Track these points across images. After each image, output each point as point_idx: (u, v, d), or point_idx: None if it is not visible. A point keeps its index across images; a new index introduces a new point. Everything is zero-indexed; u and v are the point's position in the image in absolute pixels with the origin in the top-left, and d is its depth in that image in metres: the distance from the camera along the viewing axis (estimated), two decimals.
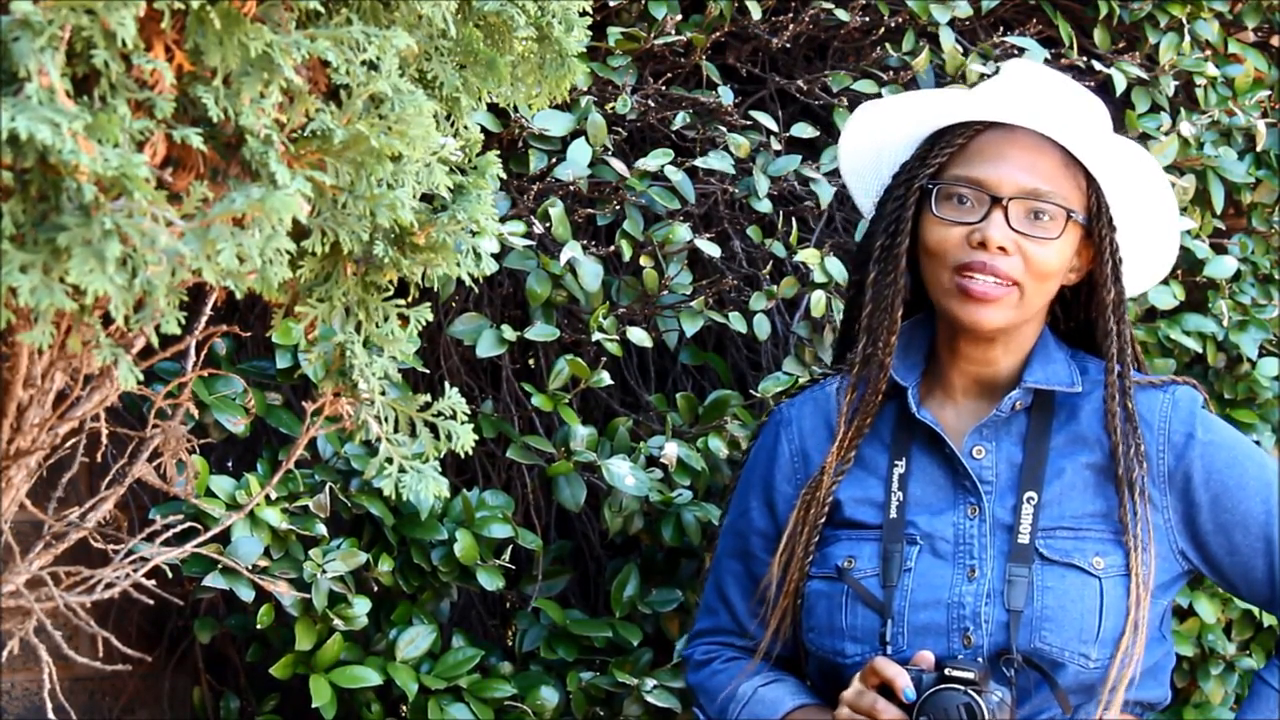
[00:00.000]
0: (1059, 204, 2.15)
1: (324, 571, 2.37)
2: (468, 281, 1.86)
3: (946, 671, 2.02)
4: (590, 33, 1.97)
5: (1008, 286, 2.13)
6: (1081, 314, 2.28)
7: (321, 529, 2.41)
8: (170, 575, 2.31)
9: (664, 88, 2.78)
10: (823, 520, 2.20)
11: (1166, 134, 3.02)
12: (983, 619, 2.11)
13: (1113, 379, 2.20)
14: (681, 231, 2.63)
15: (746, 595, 2.28)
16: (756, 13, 2.80)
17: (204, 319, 1.94)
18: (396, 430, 1.92)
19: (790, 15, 2.85)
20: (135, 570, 1.97)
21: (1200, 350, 2.95)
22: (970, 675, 2.01)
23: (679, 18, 2.75)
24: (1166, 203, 2.27)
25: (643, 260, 2.64)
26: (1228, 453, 2.24)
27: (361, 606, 2.41)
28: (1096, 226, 2.20)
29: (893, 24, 2.91)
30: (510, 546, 2.54)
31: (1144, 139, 3.02)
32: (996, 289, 2.13)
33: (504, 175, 2.11)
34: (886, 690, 2.04)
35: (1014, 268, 2.13)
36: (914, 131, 2.25)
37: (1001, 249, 2.12)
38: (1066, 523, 2.16)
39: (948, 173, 2.18)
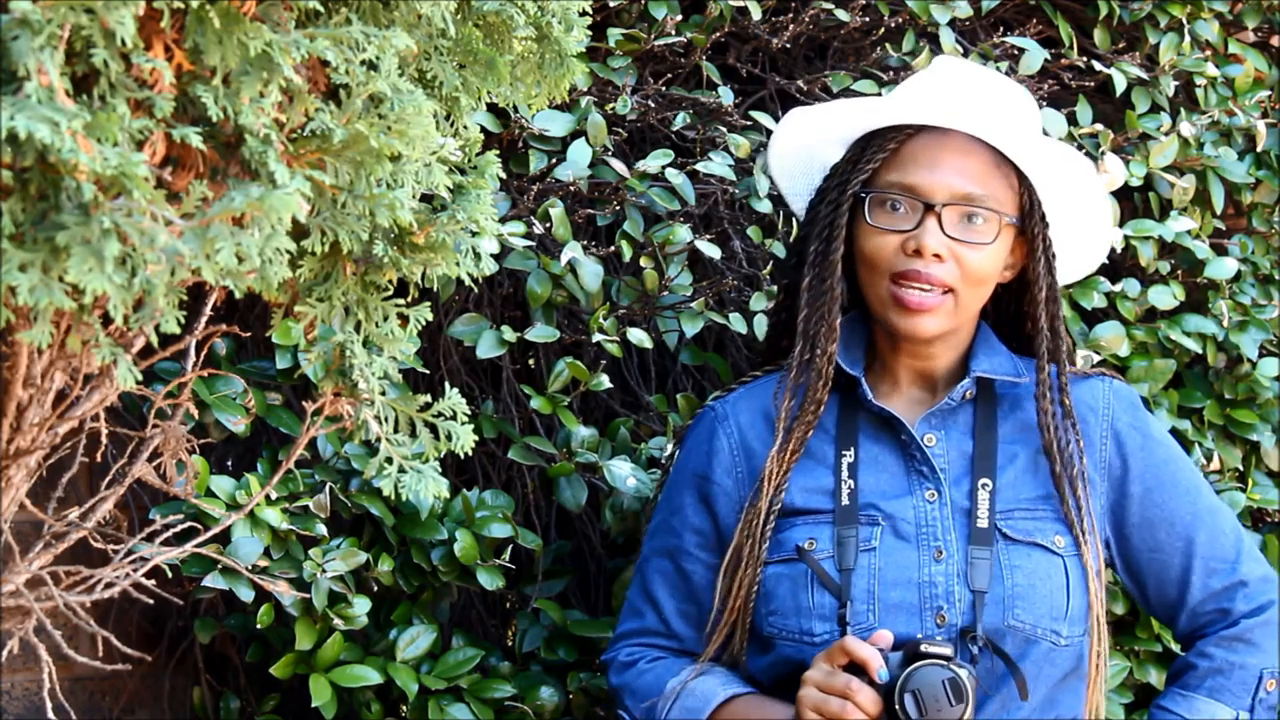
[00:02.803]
0: (993, 208, 2.16)
1: (324, 571, 2.37)
2: (467, 281, 1.86)
3: (924, 648, 2.02)
4: (590, 33, 1.97)
5: (942, 294, 2.14)
6: (1012, 305, 2.29)
7: (321, 529, 2.41)
8: (170, 575, 2.31)
9: (664, 88, 2.78)
10: (768, 535, 2.18)
11: (1166, 134, 3.02)
12: (956, 598, 2.11)
13: (1045, 376, 2.20)
14: (682, 232, 2.63)
15: (675, 594, 2.27)
16: (756, 13, 2.80)
17: (204, 319, 1.93)
18: (396, 430, 1.92)
19: (790, 15, 2.85)
20: (135, 570, 1.97)
21: (1200, 350, 2.94)
22: (948, 651, 2.02)
23: (679, 18, 2.76)
24: (1096, 196, 2.28)
25: (643, 261, 2.64)
26: (1165, 450, 2.27)
27: (361, 606, 2.41)
28: (1029, 224, 2.21)
29: (893, 24, 2.91)
30: (510, 546, 2.54)
31: (1144, 139, 3.02)
32: (931, 299, 2.14)
33: (504, 175, 2.11)
34: (856, 670, 2.03)
35: (948, 274, 2.14)
36: (845, 134, 2.24)
37: (936, 256, 2.13)
38: (1023, 505, 2.18)
39: (881, 179, 2.18)
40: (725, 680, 2.20)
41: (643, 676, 2.25)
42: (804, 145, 2.28)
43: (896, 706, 2.00)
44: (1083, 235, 2.29)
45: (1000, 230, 2.17)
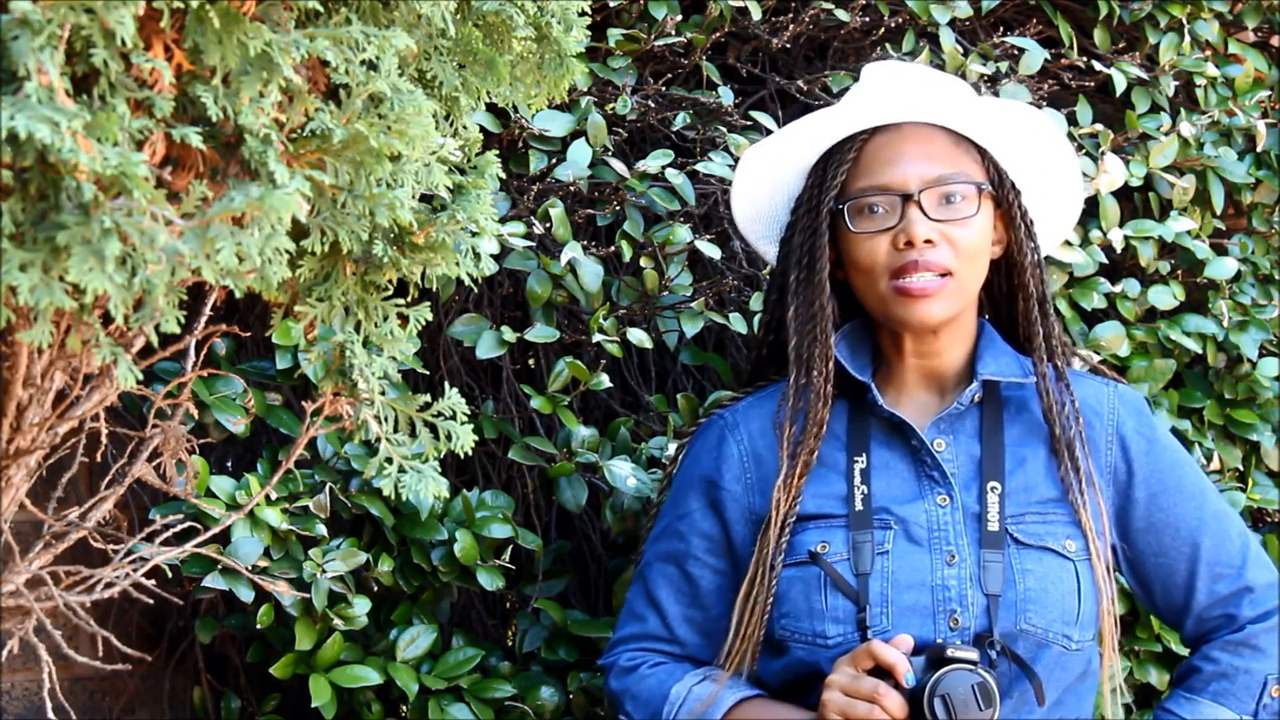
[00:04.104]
0: (966, 181, 2.18)
1: (324, 571, 2.37)
2: (467, 281, 1.86)
3: (950, 653, 2.01)
4: (590, 33, 1.97)
5: (942, 277, 2.15)
6: (1004, 285, 2.29)
7: (321, 529, 2.41)
8: (170, 575, 2.31)
9: (664, 88, 2.78)
10: (780, 565, 2.18)
11: (1166, 134, 3.02)
12: (969, 601, 2.11)
13: (1043, 369, 2.21)
14: (682, 232, 2.63)
15: (680, 599, 2.26)
16: (756, 13, 2.80)
17: (204, 319, 1.94)
18: (396, 430, 1.92)
19: (790, 15, 2.85)
20: (135, 570, 1.97)
21: (1200, 350, 2.95)
22: (975, 656, 2.01)
23: (679, 18, 2.76)
24: (1059, 152, 2.29)
25: (643, 261, 2.64)
26: (1170, 455, 2.27)
27: (361, 606, 2.41)
28: (1001, 194, 2.22)
29: (893, 24, 2.92)
30: (510, 546, 2.54)
31: (1144, 139, 3.02)
32: (933, 282, 2.14)
33: (504, 175, 2.11)
34: (881, 674, 2.02)
35: (944, 257, 2.15)
36: (800, 162, 2.26)
37: (928, 241, 2.14)
38: (1033, 509, 2.18)
39: (851, 188, 2.19)
40: (733, 683, 2.19)
41: (645, 681, 2.24)
42: (764, 187, 2.30)
43: (925, 711, 1.99)
44: (1055, 192, 2.31)
45: (980, 202, 2.18)
